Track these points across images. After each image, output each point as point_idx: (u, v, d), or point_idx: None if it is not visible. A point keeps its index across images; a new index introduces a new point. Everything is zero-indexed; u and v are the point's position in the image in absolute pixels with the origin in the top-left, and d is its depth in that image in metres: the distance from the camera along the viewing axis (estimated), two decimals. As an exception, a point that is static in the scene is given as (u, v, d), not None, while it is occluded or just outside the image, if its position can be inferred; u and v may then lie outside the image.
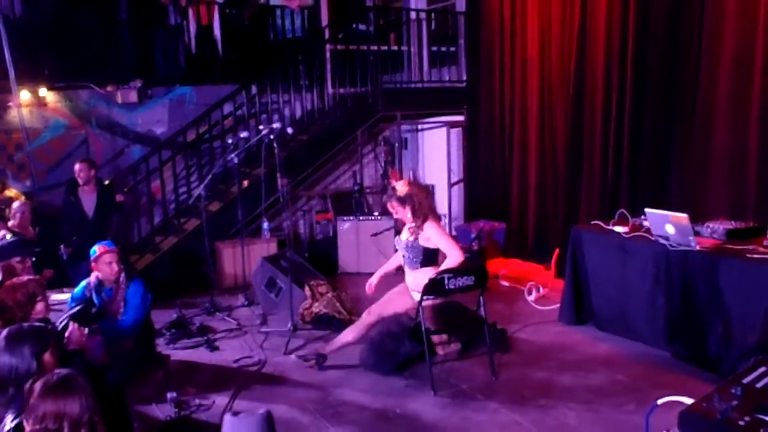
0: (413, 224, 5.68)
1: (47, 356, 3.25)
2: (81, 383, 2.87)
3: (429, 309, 5.58)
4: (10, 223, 7.57)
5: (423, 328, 5.36)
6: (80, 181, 7.89)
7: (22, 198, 8.19)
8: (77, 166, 7.94)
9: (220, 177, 8.91)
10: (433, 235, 5.64)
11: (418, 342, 5.56)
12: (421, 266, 5.69)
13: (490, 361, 5.65)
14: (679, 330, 5.62)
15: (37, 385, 2.83)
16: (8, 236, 6.75)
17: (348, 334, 5.87)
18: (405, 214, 5.71)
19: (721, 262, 5.24)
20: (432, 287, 5.37)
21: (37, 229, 7.87)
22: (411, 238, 5.72)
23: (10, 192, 8.37)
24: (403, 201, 5.67)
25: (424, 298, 5.41)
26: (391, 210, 5.85)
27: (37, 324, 3.56)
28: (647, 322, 5.93)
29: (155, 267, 8.35)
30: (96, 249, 5.53)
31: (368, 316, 5.84)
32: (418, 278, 5.60)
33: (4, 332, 3.30)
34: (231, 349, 6.44)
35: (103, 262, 5.50)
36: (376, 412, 5.05)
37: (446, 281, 5.37)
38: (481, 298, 5.68)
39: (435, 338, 5.77)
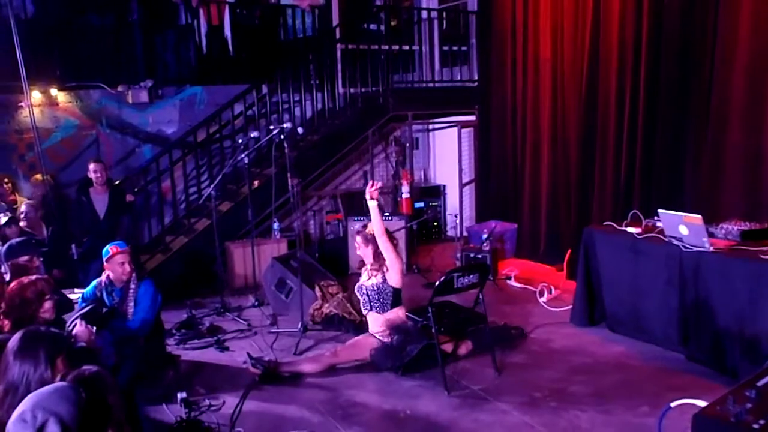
0: (375, 265, 5.97)
1: (60, 361, 3.23)
2: (112, 382, 2.84)
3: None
4: (21, 224, 7.61)
5: (433, 330, 5.35)
6: (97, 182, 7.91)
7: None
8: (94, 167, 7.94)
9: (231, 177, 8.90)
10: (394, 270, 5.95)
11: (426, 338, 5.59)
12: (391, 307, 5.91)
13: (492, 358, 5.66)
14: (693, 332, 5.58)
15: (68, 380, 2.78)
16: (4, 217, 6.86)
17: (307, 365, 5.86)
18: (367, 253, 6.01)
19: (735, 264, 5.19)
20: (442, 287, 5.42)
21: (50, 229, 7.89)
22: (378, 281, 5.93)
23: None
24: (367, 240, 6.00)
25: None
26: (356, 244, 6.15)
27: (53, 329, 3.54)
28: (660, 324, 5.89)
29: (165, 267, 8.34)
30: (109, 249, 5.54)
31: (332, 356, 5.90)
32: (390, 316, 5.87)
33: (20, 333, 3.28)
34: (241, 350, 6.43)
35: (116, 262, 5.51)
36: (386, 413, 5.04)
37: (455, 280, 5.47)
38: (480, 295, 5.68)
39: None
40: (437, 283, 5.49)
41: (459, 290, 5.56)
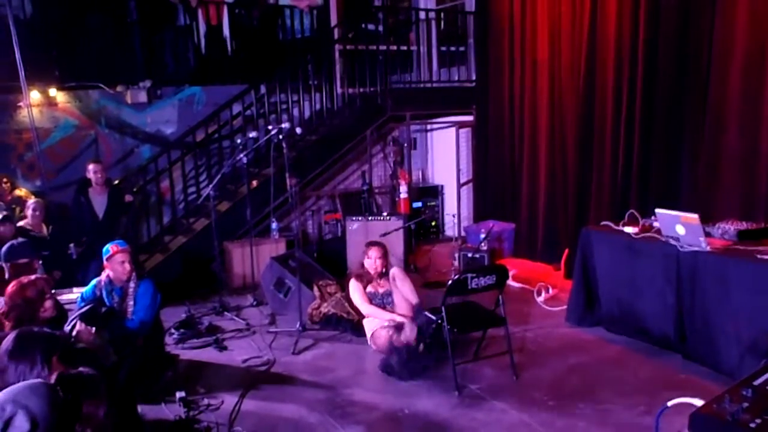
0: (382, 274, 6.33)
1: (55, 360, 3.23)
2: (104, 387, 2.84)
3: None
4: (23, 222, 7.63)
5: (445, 329, 5.36)
6: (97, 182, 7.94)
7: (32, 197, 8.23)
8: (93, 167, 7.98)
9: (229, 177, 8.91)
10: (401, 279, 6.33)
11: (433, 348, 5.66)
12: None
13: (511, 362, 5.62)
14: (690, 331, 5.59)
15: (53, 379, 2.78)
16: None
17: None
18: (381, 264, 6.31)
19: (731, 263, 5.20)
20: (455, 287, 5.41)
21: (50, 228, 7.90)
22: (387, 288, 6.34)
23: (21, 191, 8.42)
24: (386, 253, 6.41)
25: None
26: (373, 254, 6.34)
27: (46, 329, 3.54)
28: (657, 323, 5.90)
29: (164, 267, 8.36)
30: (109, 248, 5.54)
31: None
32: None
33: (13, 334, 3.28)
34: (239, 349, 6.45)
35: (116, 261, 5.51)
36: (384, 412, 5.04)
37: (469, 281, 5.41)
38: (500, 297, 5.66)
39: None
40: (449, 282, 5.47)
41: (474, 291, 5.46)
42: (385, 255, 6.36)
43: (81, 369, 2.91)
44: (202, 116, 9.42)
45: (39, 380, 2.67)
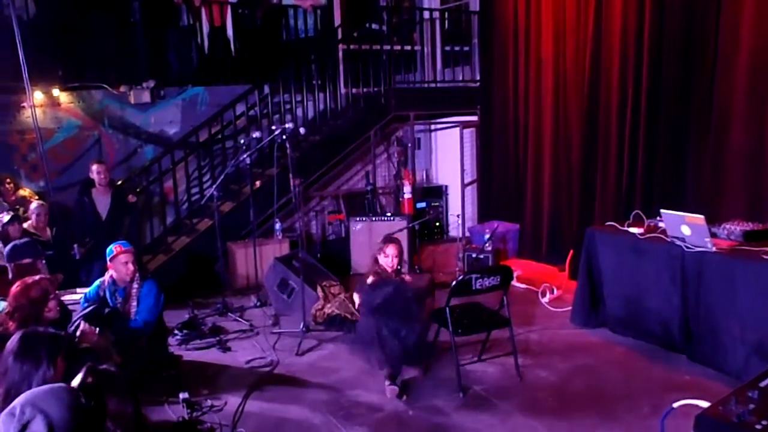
0: (397, 272, 5.97)
1: (60, 360, 3.23)
2: (123, 385, 2.83)
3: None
4: (26, 224, 7.62)
5: (450, 329, 5.33)
6: (100, 182, 7.95)
7: (36, 198, 8.22)
8: (97, 167, 7.99)
9: (233, 177, 8.90)
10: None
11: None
12: None
13: (515, 363, 5.61)
14: (695, 332, 5.57)
15: (81, 374, 2.76)
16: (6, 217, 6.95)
17: None
18: (398, 262, 5.94)
19: (737, 264, 5.19)
20: (459, 288, 5.38)
21: (54, 230, 7.90)
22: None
23: (24, 192, 8.42)
24: (402, 251, 6.05)
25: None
26: (390, 251, 5.97)
27: (50, 329, 3.54)
28: (662, 324, 5.88)
29: (167, 267, 8.34)
30: (113, 248, 5.54)
31: None
32: None
33: (18, 335, 3.28)
34: (243, 350, 6.44)
35: (119, 262, 5.51)
36: (388, 413, 5.03)
37: (473, 281, 5.39)
38: (504, 298, 5.64)
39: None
40: (453, 283, 5.43)
41: (479, 292, 5.43)
42: (401, 252, 6.12)
43: (106, 366, 2.90)
44: (205, 116, 9.39)
45: (61, 384, 2.64)
